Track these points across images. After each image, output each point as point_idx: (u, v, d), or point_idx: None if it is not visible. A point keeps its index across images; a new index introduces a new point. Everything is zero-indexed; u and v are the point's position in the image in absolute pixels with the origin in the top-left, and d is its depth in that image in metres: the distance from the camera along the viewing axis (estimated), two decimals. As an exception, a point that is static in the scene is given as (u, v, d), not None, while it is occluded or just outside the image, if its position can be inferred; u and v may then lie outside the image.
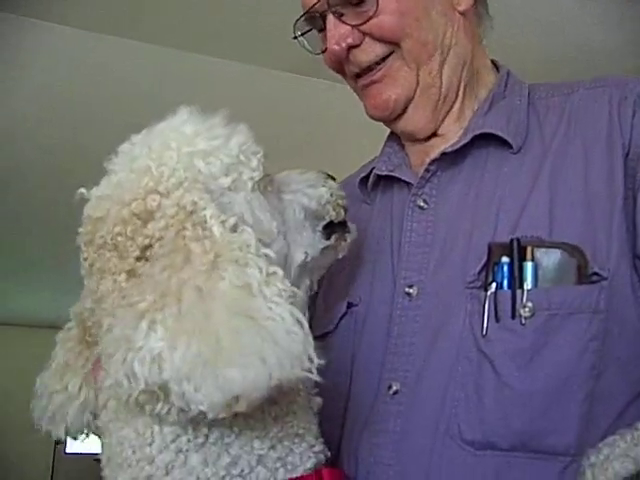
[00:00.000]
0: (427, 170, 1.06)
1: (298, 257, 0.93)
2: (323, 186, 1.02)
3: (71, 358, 0.97)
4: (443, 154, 1.05)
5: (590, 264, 0.89)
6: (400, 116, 1.09)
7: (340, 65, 1.09)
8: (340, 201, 1.02)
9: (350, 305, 1.09)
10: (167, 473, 0.75)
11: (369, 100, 1.09)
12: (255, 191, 0.87)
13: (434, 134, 1.11)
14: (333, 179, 1.05)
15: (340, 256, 1.04)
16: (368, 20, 1.02)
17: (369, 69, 1.07)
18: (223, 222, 0.78)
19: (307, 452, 0.81)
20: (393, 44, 1.04)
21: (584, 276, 0.89)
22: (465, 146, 1.04)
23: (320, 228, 0.99)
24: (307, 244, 0.95)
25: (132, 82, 3.71)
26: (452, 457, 0.90)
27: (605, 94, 1.00)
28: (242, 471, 0.75)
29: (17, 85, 3.74)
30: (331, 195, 1.01)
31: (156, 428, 0.75)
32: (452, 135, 1.08)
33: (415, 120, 1.09)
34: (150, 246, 0.77)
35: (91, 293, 0.83)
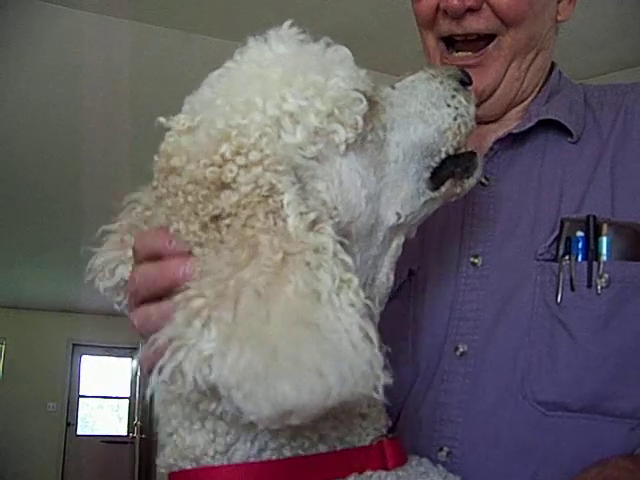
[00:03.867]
0: (491, 148, 1.10)
1: (388, 219, 0.81)
2: (448, 105, 0.85)
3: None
4: (509, 134, 1.09)
5: None
6: (481, 104, 1.09)
7: (432, 20, 1.09)
8: (468, 123, 0.86)
9: (410, 272, 1.10)
10: (227, 433, 0.72)
11: None
12: (348, 153, 0.76)
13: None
14: (467, 83, 0.88)
15: (453, 199, 0.90)
16: None
17: (464, 40, 1.08)
18: (301, 215, 0.69)
19: (369, 429, 0.79)
20: (506, 25, 1.05)
21: None
22: (526, 131, 1.08)
23: (427, 174, 0.84)
24: (403, 201, 0.82)
25: (141, 64, 3.71)
26: (522, 417, 0.95)
27: None
28: (303, 444, 0.73)
29: (26, 68, 3.75)
30: (455, 118, 0.85)
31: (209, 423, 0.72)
32: (509, 120, 1.13)
33: (491, 109, 1.11)
34: (220, 217, 0.71)
35: (159, 224, 0.77)
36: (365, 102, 0.76)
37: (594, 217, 0.98)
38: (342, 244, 0.70)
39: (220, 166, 0.71)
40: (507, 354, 0.98)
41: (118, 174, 5.03)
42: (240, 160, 0.71)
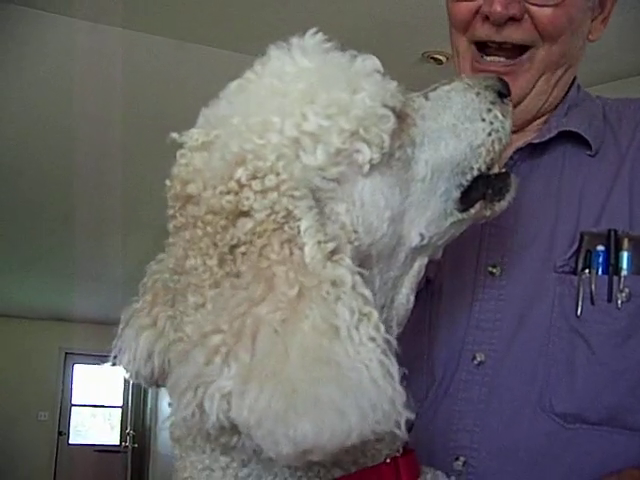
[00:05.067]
0: (511, 158, 1.09)
1: (411, 240, 0.78)
2: (483, 119, 0.80)
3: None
4: (529, 145, 1.09)
5: None
6: None
7: (468, 23, 1.07)
8: (503, 139, 0.81)
9: (427, 280, 1.08)
10: (244, 465, 0.71)
11: None
12: (372, 174, 0.72)
13: None
14: (505, 95, 0.83)
15: (482, 221, 0.86)
16: (552, 5, 1.02)
17: (498, 47, 1.07)
18: (319, 244, 0.66)
19: (384, 450, 0.76)
20: (543, 39, 1.04)
21: None
22: (545, 142, 1.08)
23: (457, 194, 0.80)
24: (428, 222, 0.79)
25: (138, 73, 3.71)
26: (540, 428, 0.95)
27: None
28: (319, 472, 0.72)
29: (19, 76, 3.75)
30: (490, 133, 0.80)
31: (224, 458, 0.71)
32: (529, 131, 1.12)
33: (515, 119, 1.11)
34: (237, 246, 0.68)
35: (176, 258, 0.74)
36: (393, 119, 0.73)
37: (615, 231, 0.99)
38: (361, 275, 0.67)
39: (237, 193, 0.68)
40: (526, 365, 0.98)
41: (111, 182, 5.03)
42: (256, 185, 0.68)
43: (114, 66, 3.65)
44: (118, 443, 10.92)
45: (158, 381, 0.82)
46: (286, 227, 0.67)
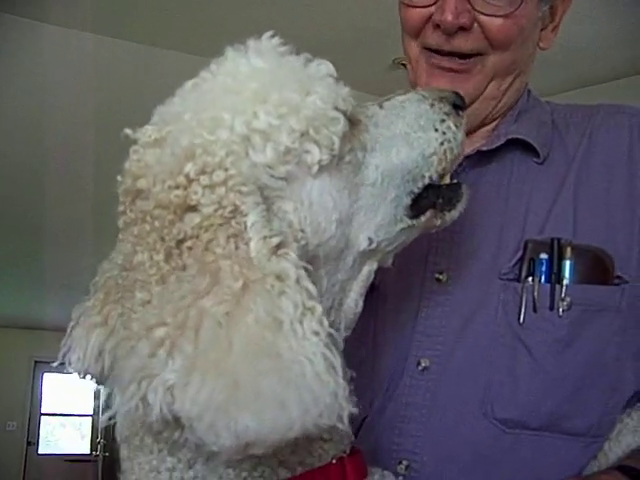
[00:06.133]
0: (460, 165, 1.08)
1: (359, 244, 0.78)
2: (436, 129, 0.82)
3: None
4: (478, 152, 1.09)
5: (615, 267, 0.99)
6: None
7: (419, 29, 1.07)
8: (454, 149, 0.83)
9: (372, 285, 1.11)
10: (190, 467, 0.71)
11: (437, 83, 1.08)
12: (321, 175, 0.73)
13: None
14: (460, 107, 0.85)
15: (433, 231, 0.87)
16: (502, 16, 1.02)
17: (447, 53, 1.07)
18: (265, 238, 0.67)
19: (331, 450, 0.76)
20: (492, 47, 1.05)
21: (610, 278, 0.99)
22: (494, 149, 1.09)
23: (408, 201, 0.81)
24: (378, 226, 0.79)
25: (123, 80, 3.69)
26: (482, 433, 0.97)
27: (625, 120, 1.10)
28: (263, 472, 0.72)
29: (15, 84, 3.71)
30: (442, 143, 0.82)
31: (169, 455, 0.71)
32: (477, 137, 1.12)
33: (467, 119, 1.11)
34: (184, 240, 0.68)
35: (125, 254, 0.74)
36: (343, 122, 0.73)
37: (558, 240, 1.00)
38: (306, 270, 0.68)
39: (185, 188, 0.69)
40: (469, 370, 0.99)
41: (82, 189, 4.97)
42: (204, 180, 0.69)
43: (85, 71, 3.62)
44: (89, 452, 10.76)
45: (108, 379, 0.81)
46: (233, 222, 0.67)
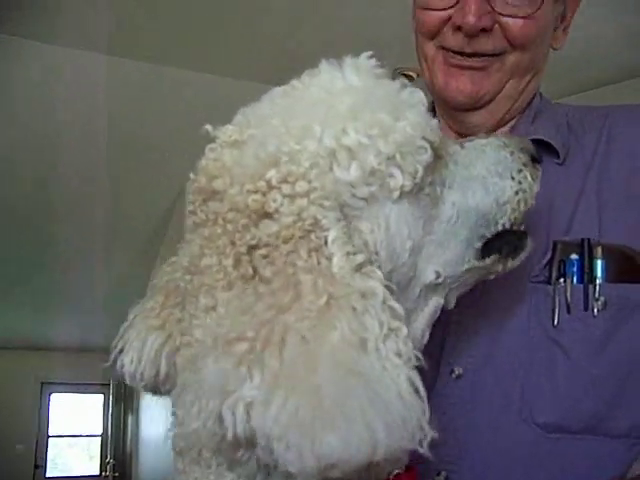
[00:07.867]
0: None
1: (427, 276, 0.78)
2: (512, 177, 0.82)
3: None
4: None
5: None
6: (474, 110, 1.11)
7: (437, 32, 1.07)
8: (528, 200, 0.83)
9: None
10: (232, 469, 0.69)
11: (456, 81, 1.08)
12: (401, 201, 0.72)
13: None
14: (537, 161, 0.85)
15: (491, 277, 0.87)
16: (523, 17, 1.02)
17: (470, 54, 1.07)
18: (348, 255, 0.66)
19: (388, 467, 0.72)
20: (512, 47, 1.05)
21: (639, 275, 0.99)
22: None
23: (479, 244, 0.81)
24: (446, 262, 0.79)
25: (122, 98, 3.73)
26: (522, 439, 0.95)
27: None
28: None
29: (1, 103, 3.74)
30: (517, 192, 0.82)
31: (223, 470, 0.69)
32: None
33: (485, 118, 1.11)
34: (257, 247, 0.67)
35: (191, 256, 0.72)
36: (430, 152, 0.73)
37: (589, 240, 1.00)
38: (390, 290, 0.67)
39: (264, 194, 0.68)
40: (504, 376, 0.98)
41: (92, 207, 4.98)
42: (286, 189, 0.67)
43: (97, 90, 3.66)
44: (98, 473, 10.69)
45: (159, 386, 0.80)
46: (312, 236, 0.66)
